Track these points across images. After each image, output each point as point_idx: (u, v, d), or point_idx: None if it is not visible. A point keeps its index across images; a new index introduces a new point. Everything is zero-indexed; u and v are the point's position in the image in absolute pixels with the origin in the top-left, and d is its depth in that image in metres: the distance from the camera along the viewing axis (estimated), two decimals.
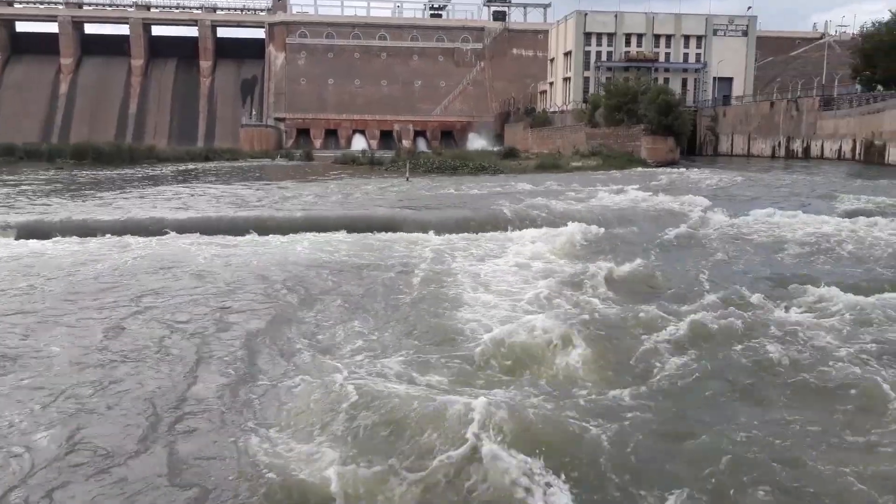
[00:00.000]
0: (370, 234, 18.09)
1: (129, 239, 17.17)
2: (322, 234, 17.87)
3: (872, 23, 59.20)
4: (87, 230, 18.13)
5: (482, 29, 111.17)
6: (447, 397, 6.58)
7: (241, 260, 14.65)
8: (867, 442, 6.34)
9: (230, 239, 17.40)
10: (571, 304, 10.51)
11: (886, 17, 56.71)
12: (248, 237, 17.68)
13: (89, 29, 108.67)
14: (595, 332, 9.00)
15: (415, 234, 17.96)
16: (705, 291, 11.07)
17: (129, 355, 8.69)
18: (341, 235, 17.80)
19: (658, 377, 7.67)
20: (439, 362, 8.10)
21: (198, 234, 17.76)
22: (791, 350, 8.46)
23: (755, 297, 10.55)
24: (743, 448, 6.18)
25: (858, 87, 57.91)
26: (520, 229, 18.62)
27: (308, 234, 17.97)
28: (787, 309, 10.10)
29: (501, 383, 7.55)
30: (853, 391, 7.27)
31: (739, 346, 8.63)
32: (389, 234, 18.15)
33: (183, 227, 18.46)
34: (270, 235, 17.84)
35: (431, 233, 18.01)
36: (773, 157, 59.10)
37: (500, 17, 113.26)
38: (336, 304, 11.12)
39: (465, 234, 18.07)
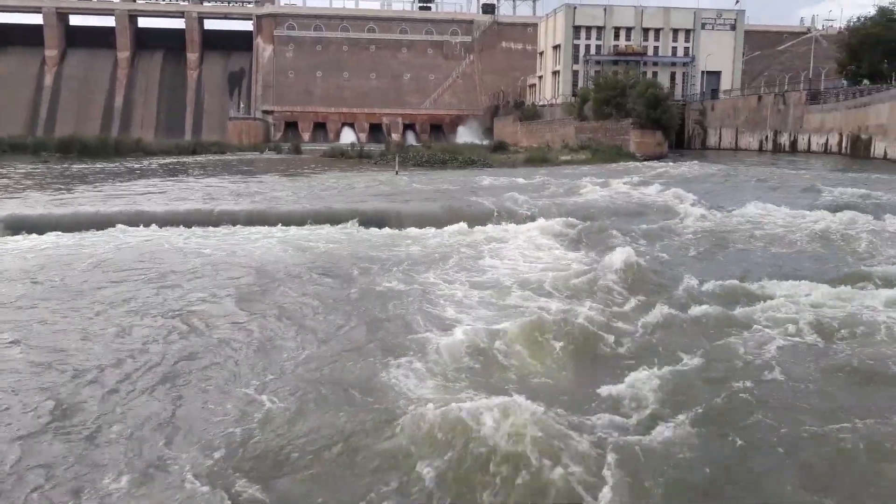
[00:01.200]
0: (346, 228, 17.85)
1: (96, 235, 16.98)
2: (295, 228, 17.74)
3: (858, 17, 59.61)
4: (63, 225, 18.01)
5: (471, 22, 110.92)
6: None
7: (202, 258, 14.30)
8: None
9: (197, 230, 17.47)
10: (553, 306, 10.51)
11: (872, 11, 57.11)
12: (220, 229, 17.69)
13: (74, 20, 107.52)
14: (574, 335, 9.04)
15: (394, 231, 17.72)
16: (688, 288, 11.12)
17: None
18: (321, 230, 17.57)
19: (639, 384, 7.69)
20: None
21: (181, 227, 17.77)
22: (783, 349, 8.53)
23: (737, 292, 10.63)
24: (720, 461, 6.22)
25: (844, 81, 58.24)
26: (511, 223, 18.61)
27: (281, 227, 17.81)
28: (768, 302, 10.17)
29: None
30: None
31: (722, 347, 8.69)
32: (372, 230, 17.88)
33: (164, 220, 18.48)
34: (238, 226, 17.81)
35: (411, 229, 17.83)
36: (760, 150, 59.39)
37: (489, 9, 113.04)
38: (262, 326, 9.58)
39: (435, 228, 17.82)
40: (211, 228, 17.85)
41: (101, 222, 18.08)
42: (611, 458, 5.81)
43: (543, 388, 7.44)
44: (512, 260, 14.05)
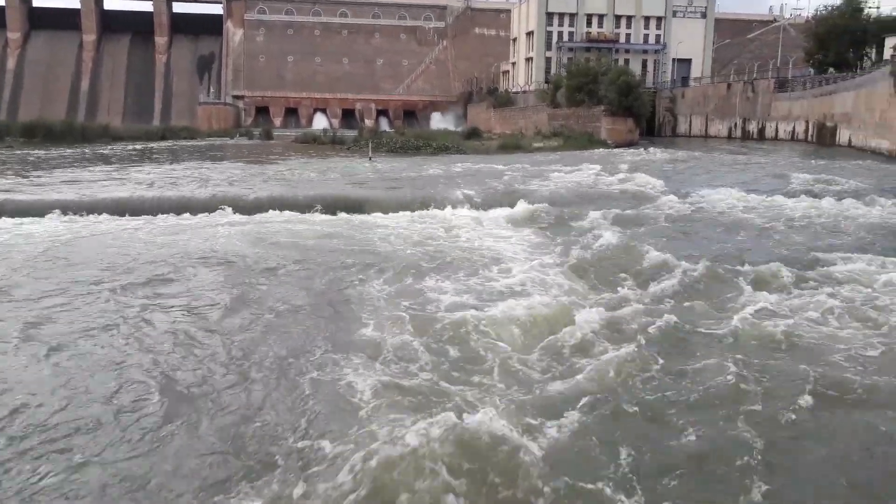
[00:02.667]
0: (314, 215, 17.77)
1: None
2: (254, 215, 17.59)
3: (825, 7, 60.39)
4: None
5: (444, 7, 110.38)
6: None
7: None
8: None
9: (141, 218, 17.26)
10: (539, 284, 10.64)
11: (839, 1, 57.92)
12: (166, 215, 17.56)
13: (37, 2, 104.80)
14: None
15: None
16: (664, 274, 11.31)
17: None
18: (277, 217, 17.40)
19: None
20: None
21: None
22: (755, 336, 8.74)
23: (707, 279, 10.84)
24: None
25: (811, 70, 59.16)
26: (480, 209, 18.74)
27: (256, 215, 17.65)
28: (752, 289, 10.38)
29: None
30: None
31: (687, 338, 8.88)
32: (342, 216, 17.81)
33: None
34: (199, 215, 17.60)
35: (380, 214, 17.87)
36: (729, 138, 60.23)
37: None
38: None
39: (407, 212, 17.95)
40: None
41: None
42: None
43: None
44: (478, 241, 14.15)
